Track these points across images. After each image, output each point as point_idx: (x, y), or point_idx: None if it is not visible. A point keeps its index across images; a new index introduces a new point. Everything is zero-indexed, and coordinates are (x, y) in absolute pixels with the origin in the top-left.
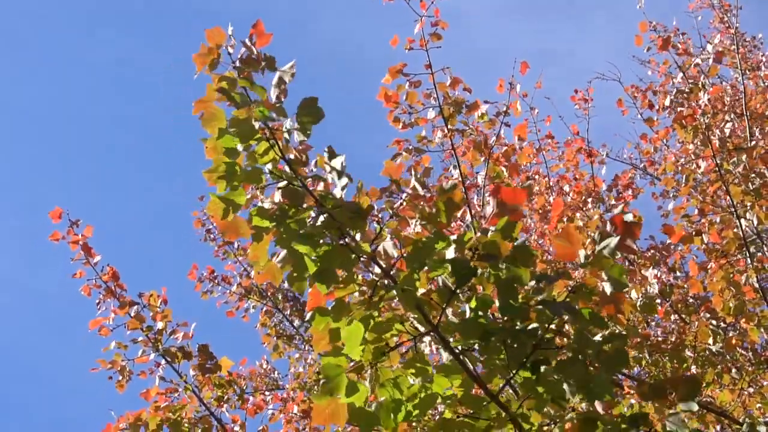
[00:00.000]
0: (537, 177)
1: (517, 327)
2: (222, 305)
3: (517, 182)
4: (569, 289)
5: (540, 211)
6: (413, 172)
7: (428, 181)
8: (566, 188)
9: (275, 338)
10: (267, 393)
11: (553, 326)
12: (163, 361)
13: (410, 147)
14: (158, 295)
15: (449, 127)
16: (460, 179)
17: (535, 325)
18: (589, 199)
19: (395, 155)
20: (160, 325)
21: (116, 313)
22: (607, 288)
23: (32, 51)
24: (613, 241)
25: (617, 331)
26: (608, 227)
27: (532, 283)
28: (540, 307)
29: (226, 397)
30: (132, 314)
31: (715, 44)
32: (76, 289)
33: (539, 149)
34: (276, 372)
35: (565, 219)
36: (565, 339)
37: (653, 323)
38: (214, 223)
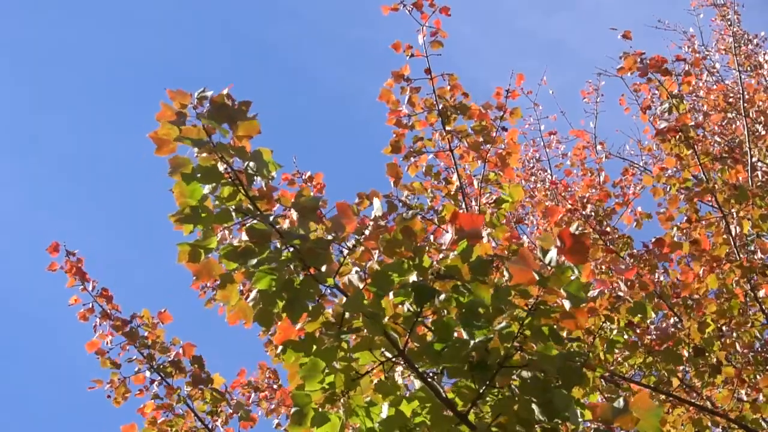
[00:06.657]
0: (540, 173)
1: (480, 346)
2: (224, 312)
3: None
4: (529, 308)
5: (542, 211)
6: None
7: (427, 179)
8: (570, 183)
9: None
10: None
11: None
12: (158, 379)
13: (410, 150)
14: (151, 316)
15: (447, 129)
16: (457, 181)
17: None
18: (589, 205)
19: (394, 144)
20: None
21: (111, 335)
22: (567, 304)
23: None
24: (554, 254)
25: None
26: (557, 242)
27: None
28: (502, 325)
29: (219, 410)
30: (126, 330)
31: (689, 64)
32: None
33: (545, 145)
34: (278, 382)
35: (563, 224)
36: (527, 356)
37: (652, 326)
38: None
